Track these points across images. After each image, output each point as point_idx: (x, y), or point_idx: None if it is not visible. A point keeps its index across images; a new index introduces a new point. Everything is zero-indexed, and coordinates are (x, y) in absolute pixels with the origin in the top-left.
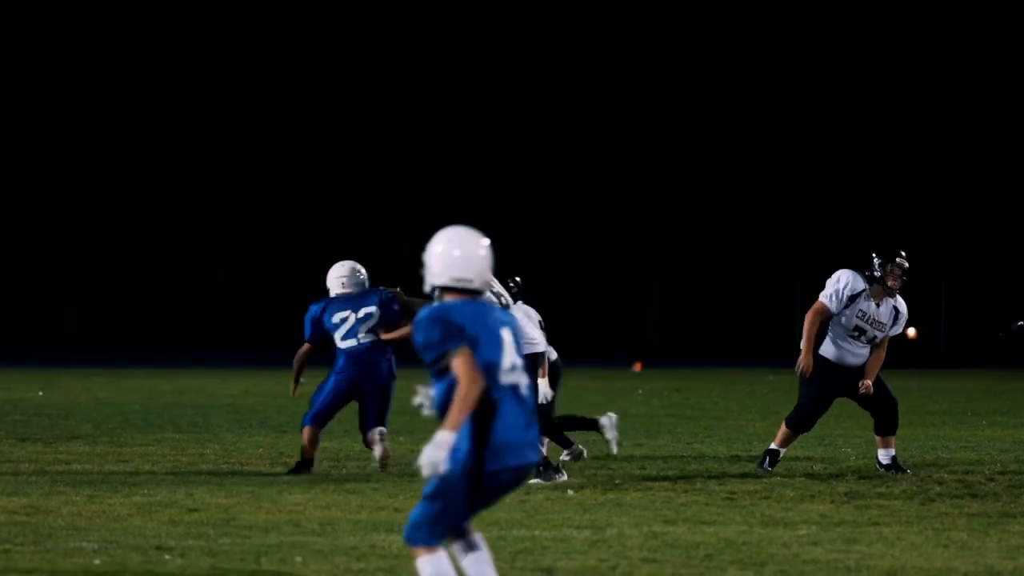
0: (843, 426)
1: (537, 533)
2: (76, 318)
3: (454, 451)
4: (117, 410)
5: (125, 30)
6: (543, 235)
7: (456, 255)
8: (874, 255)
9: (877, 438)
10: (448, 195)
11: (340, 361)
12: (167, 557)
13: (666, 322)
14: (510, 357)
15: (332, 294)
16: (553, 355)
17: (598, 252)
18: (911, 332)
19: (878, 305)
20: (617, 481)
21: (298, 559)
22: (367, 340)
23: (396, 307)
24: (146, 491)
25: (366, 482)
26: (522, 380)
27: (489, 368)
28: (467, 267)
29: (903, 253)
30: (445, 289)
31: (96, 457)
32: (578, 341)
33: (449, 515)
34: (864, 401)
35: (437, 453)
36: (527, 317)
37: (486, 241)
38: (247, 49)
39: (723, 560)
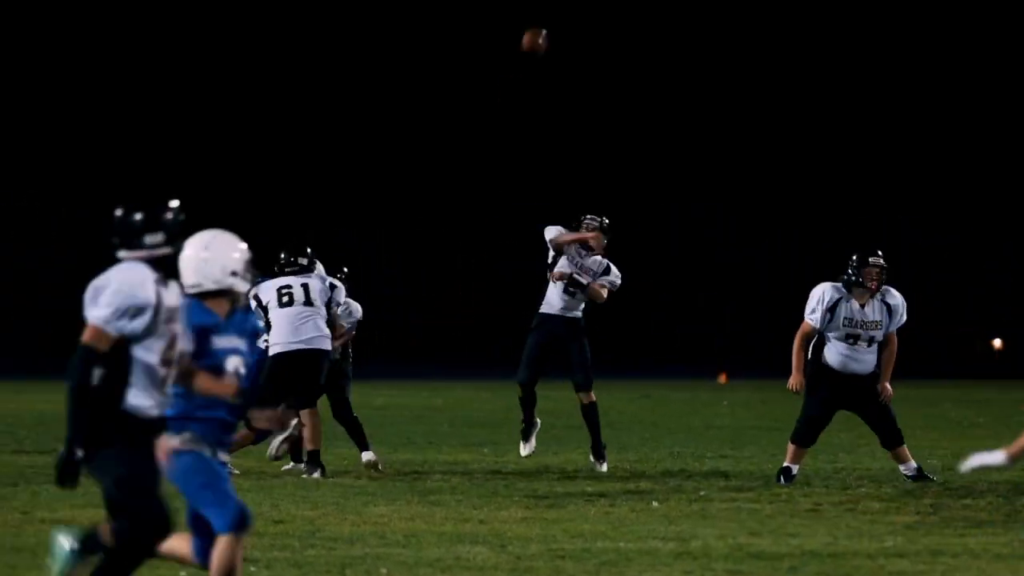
0: (929, 437)
1: (622, 545)
2: None
3: None
4: None
5: (129, 38)
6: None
7: None
8: (852, 258)
9: (889, 454)
10: (449, 197)
11: None
12: (253, 569)
13: (751, 333)
14: None
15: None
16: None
17: (683, 265)
18: (997, 343)
19: (863, 306)
20: (702, 492)
21: (383, 571)
22: None
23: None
24: None
25: (451, 494)
26: None
27: None
28: None
29: (879, 252)
30: None
31: None
32: (662, 352)
33: None
34: (865, 416)
35: (985, 456)
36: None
37: None
38: (249, 55)
39: (808, 572)
